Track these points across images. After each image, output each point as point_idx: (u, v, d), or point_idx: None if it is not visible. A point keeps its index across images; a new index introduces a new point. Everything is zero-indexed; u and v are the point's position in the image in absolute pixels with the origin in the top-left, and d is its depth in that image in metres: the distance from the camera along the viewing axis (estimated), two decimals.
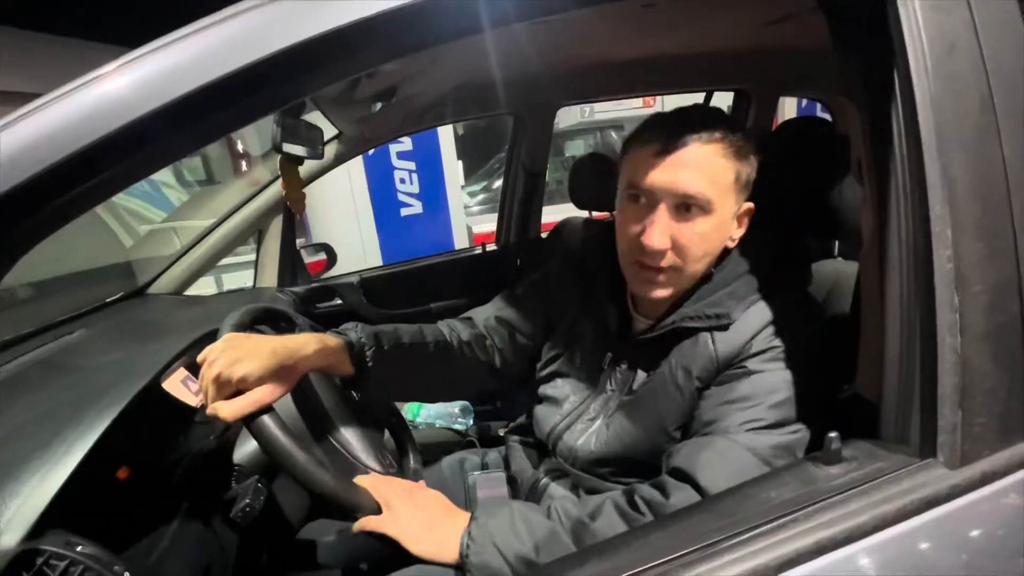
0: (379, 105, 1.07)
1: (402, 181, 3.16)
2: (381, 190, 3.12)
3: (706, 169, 0.60)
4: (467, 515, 0.62)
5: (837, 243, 0.96)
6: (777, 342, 0.61)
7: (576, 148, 5.24)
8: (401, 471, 0.75)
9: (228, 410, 0.55)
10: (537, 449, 0.88)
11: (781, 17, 1.17)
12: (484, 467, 0.92)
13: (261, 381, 0.57)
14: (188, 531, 0.63)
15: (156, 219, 2.73)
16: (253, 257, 1.76)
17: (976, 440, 0.44)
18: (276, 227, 1.72)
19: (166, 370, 0.74)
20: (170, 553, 0.59)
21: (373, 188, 3.10)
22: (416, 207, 3.22)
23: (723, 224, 0.64)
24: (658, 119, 0.64)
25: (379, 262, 3.07)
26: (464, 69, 1.28)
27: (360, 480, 0.62)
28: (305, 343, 0.63)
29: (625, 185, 0.65)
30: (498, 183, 4.84)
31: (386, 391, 0.75)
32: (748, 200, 0.66)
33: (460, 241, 3.41)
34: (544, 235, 1.89)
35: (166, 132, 0.33)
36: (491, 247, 1.97)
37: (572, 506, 0.60)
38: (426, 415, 1.37)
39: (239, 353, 0.57)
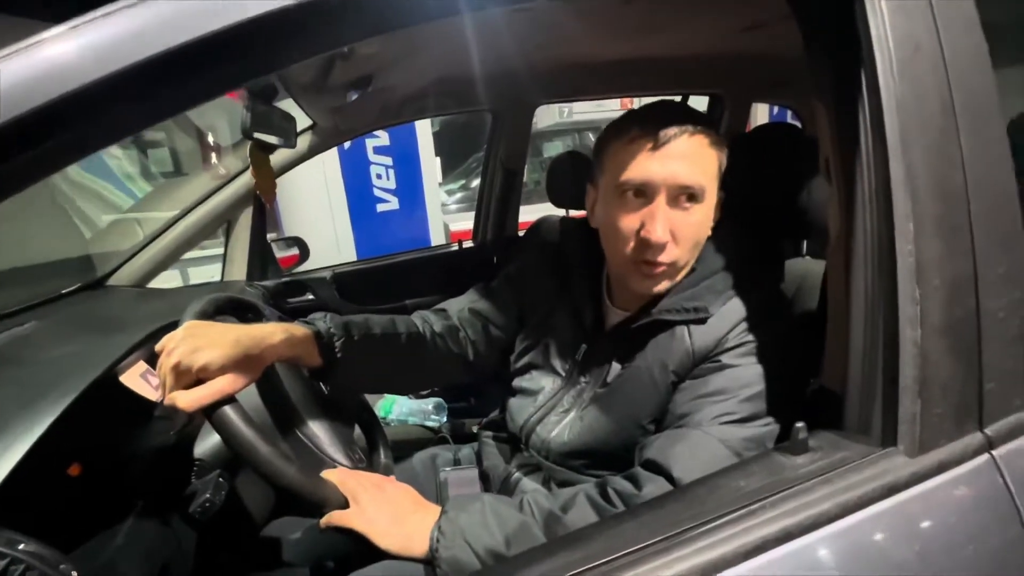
0: (354, 94, 1.05)
1: (379, 176, 3.11)
2: (357, 185, 3.06)
3: (697, 159, 0.62)
4: (437, 509, 0.61)
5: (806, 242, 0.99)
6: (751, 337, 0.63)
7: (554, 149, 5.26)
8: (371, 466, 0.74)
9: (186, 400, 0.52)
10: (510, 444, 0.87)
11: (756, 24, 1.20)
12: (456, 463, 0.91)
13: (223, 371, 0.54)
14: (144, 529, 0.60)
15: (121, 207, 2.62)
16: (221, 251, 1.71)
17: (934, 429, 0.46)
18: (246, 219, 1.67)
19: (121, 362, 0.71)
20: (124, 552, 0.56)
21: (348, 182, 3.04)
22: (392, 203, 3.17)
23: (710, 212, 0.65)
24: (638, 115, 0.64)
25: (353, 258, 3.02)
26: (443, 62, 1.27)
27: (327, 474, 0.60)
28: (271, 332, 0.61)
29: (616, 184, 0.64)
30: (476, 182, 4.84)
31: (356, 383, 0.74)
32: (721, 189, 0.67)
33: (437, 239, 3.37)
34: (521, 233, 1.89)
35: (118, 103, 0.31)
36: (468, 244, 1.96)
37: (544, 499, 0.60)
38: (399, 412, 1.35)
39: (200, 341, 0.55)
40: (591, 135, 4.71)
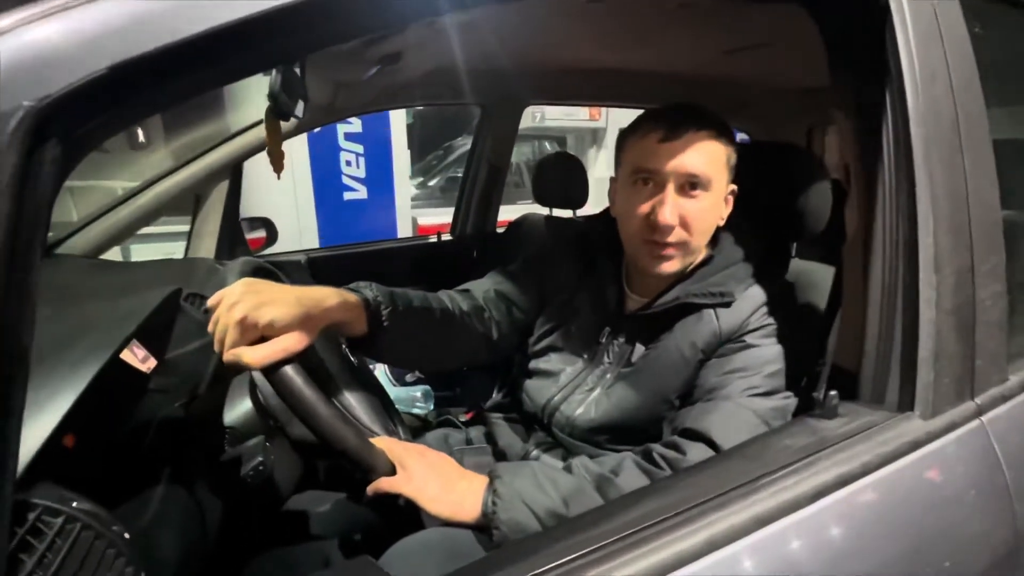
0: (374, 70, 1.04)
1: (348, 164, 3.01)
2: (324, 170, 2.94)
3: (704, 151, 0.68)
4: (482, 477, 0.62)
5: (795, 245, 1.10)
6: (770, 320, 0.69)
7: (518, 154, 5.33)
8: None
9: (253, 356, 0.51)
10: (523, 424, 0.90)
11: (736, 48, 1.31)
12: (469, 442, 0.92)
13: (288, 329, 0.53)
14: (172, 499, 0.56)
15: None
16: (175, 228, 1.59)
17: (942, 397, 0.54)
18: (218, 195, 1.58)
19: (132, 338, 0.66)
20: (158, 520, 0.53)
21: (316, 167, 2.91)
22: (360, 192, 3.08)
23: (718, 201, 0.72)
24: (655, 113, 0.71)
25: (315, 244, 2.90)
26: (445, 53, 1.28)
27: (376, 441, 0.60)
28: (327, 295, 0.60)
29: (631, 171, 0.71)
30: (434, 181, 4.80)
31: (393, 356, 0.73)
32: (733, 183, 0.74)
33: (404, 231, 3.32)
34: (501, 230, 1.92)
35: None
36: (447, 237, 1.96)
37: (591, 463, 0.63)
38: None
39: (263, 297, 0.53)
40: (548, 145, 4.84)
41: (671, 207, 0.67)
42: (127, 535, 0.45)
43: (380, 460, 0.58)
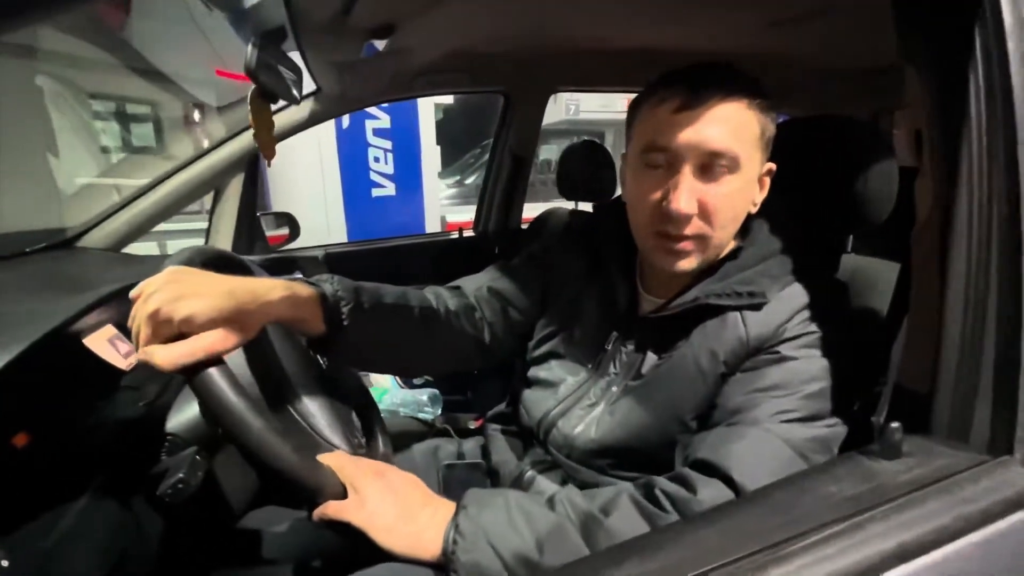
0: (371, 48, 0.96)
1: (376, 160, 2.99)
2: (353, 167, 2.94)
3: (732, 123, 0.55)
4: (450, 504, 0.52)
5: (851, 238, 0.93)
6: (813, 328, 0.56)
7: (550, 152, 5.20)
8: (370, 454, 0.65)
9: (165, 355, 0.43)
10: (521, 439, 0.79)
11: (782, 19, 1.15)
12: (460, 457, 0.83)
13: (211, 325, 0.45)
14: (100, 511, 0.50)
15: (97, 172, 2.48)
16: (205, 225, 1.59)
17: None
18: (235, 188, 1.57)
19: (80, 319, 0.61)
20: (73, 536, 0.46)
21: (344, 163, 2.92)
22: (389, 189, 3.06)
23: (749, 184, 0.58)
24: (672, 75, 0.58)
25: (343, 240, 2.90)
26: (461, 31, 1.20)
27: (323, 458, 0.51)
28: (270, 288, 0.52)
29: (641, 149, 0.59)
30: (471, 179, 4.75)
31: (359, 358, 0.65)
32: (770, 161, 0.61)
33: (432, 230, 3.27)
34: (525, 227, 1.82)
35: None
36: (468, 233, 1.88)
37: (579, 498, 0.52)
38: (390, 401, 1.26)
39: (185, 288, 0.45)
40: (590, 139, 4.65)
41: (688, 192, 0.55)
42: (6, 563, 0.38)
43: (328, 481, 0.49)
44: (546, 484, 0.70)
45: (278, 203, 2.86)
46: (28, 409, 0.55)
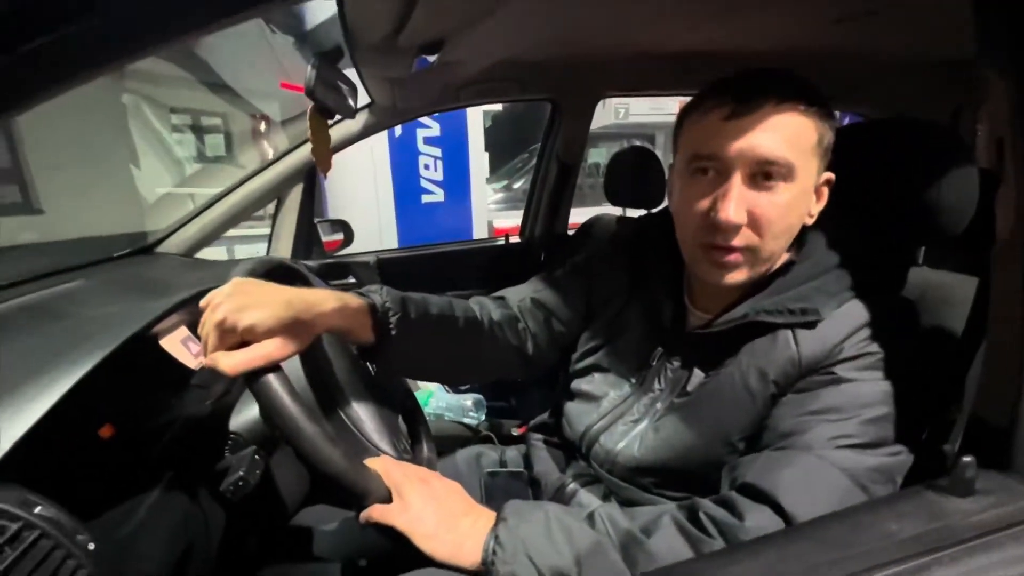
0: (421, 62, 1.00)
1: (426, 167, 3.08)
2: (404, 174, 3.04)
3: (786, 130, 0.52)
4: (491, 514, 0.53)
5: (923, 251, 0.87)
6: (874, 348, 0.52)
7: (599, 155, 5.14)
8: (415, 460, 0.67)
9: (229, 362, 0.46)
10: (563, 451, 0.79)
11: (855, 13, 1.08)
12: (502, 465, 0.83)
13: (271, 333, 0.48)
14: (170, 504, 0.55)
15: (174, 182, 2.69)
16: (267, 231, 1.69)
17: None
18: (295, 197, 1.66)
19: (160, 321, 0.66)
20: (147, 526, 0.51)
21: (396, 171, 3.02)
22: (438, 195, 3.13)
23: (805, 194, 0.55)
24: (722, 83, 0.56)
25: (394, 245, 3.00)
26: (508, 43, 1.21)
27: (370, 463, 0.53)
28: (324, 299, 0.55)
29: (689, 158, 0.57)
30: (518, 183, 4.78)
31: (406, 366, 0.67)
32: (828, 170, 0.58)
33: (480, 235, 3.32)
34: (571, 232, 1.81)
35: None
36: (515, 239, 1.89)
37: (620, 516, 0.51)
38: (436, 406, 1.28)
39: (248, 299, 0.49)
40: (638, 143, 4.58)
41: (737, 201, 0.53)
42: (92, 545, 0.42)
43: (374, 485, 0.51)
44: (588, 498, 0.70)
45: (334, 210, 3.00)
46: (113, 403, 0.60)
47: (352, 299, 0.59)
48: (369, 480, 0.51)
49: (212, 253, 1.55)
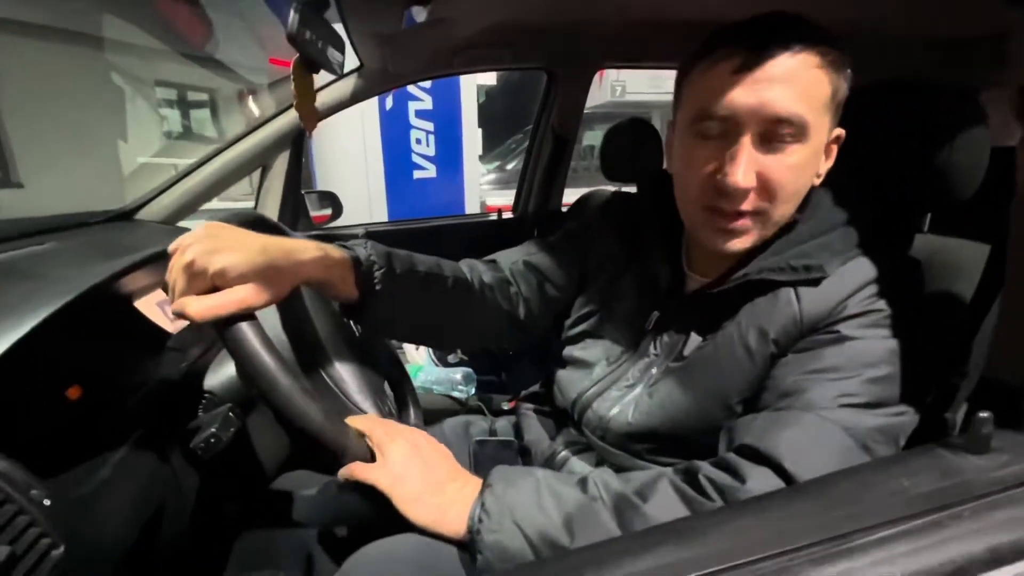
0: (412, 16, 0.95)
1: (418, 142, 3.01)
2: (395, 148, 2.97)
3: (800, 84, 0.48)
4: (478, 481, 0.50)
5: (928, 218, 0.85)
6: (880, 305, 0.50)
7: (593, 138, 5.07)
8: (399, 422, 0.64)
9: (197, 307, 0.43)
10: (554, 419, 0.77)
11: None
12: (492, 434, 0.81)
13: (244, 279, 0.45)
14: (138, 463, 0.51)
15: (155, 151, 2.62)
16: (251, 203, 1.64)
17: None
18: (281, 165, 1.61)
19: (125, 275, 0.62)
20: (111, 485, 0.48)
21: (387, 145, 2.95)
22: (430, 171, 3.07)
23: (816, 155, 0.52)
24: (729, 30, 0.51)
25: (384, 220, 2.94)
26: (502, 3, 1.16)
27: (355, 420, 0.50)
28: (304, 247, 0.51)
29: (693, 116, 0.53)
30: (511, 164, 4.71)
31: (390, 325, 0.64)
32: (839, 126, 0.54)
33: (472, 211, 3.27)
34: (564, 209, 1.78)
35: None
36: (507, 215, 1.86)
37: (614, 480, 0.49)
38: (424, 379, 1.26)
39: (220, 243, 0.45)
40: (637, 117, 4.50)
41: (747, 164, 0.49)
42: (47, 502, 0.39)
43: (353, 442, 0.49)
44: (579, 466, 0.68)
45: (323, 182, 2.93)
46: (81, 364, 0.57)
47: (334, 251, 0.55)
48: (348, 437, 0.48)
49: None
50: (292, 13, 0.74)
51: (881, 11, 1.19)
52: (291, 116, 1.47)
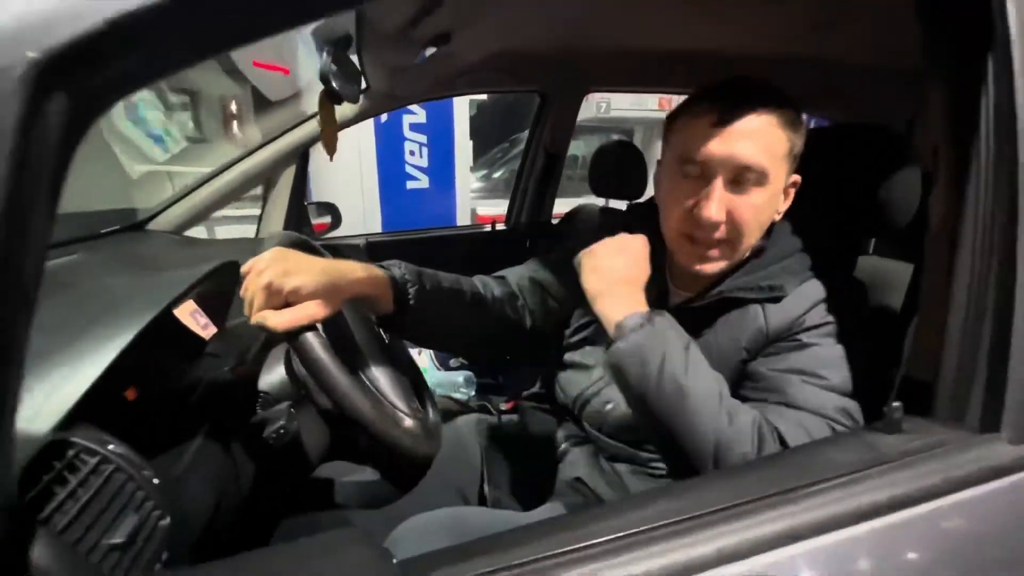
0: (427, 52, 1.04)
1: (411, 154, 3.10)
2: (389, 160, 3.06)
3: (763, 140, 0.60)
4: (644, 303, 0.62)
5: (873, 241, 0.98)
6: (831, 318, 0.62)
7: (578, 148, 5.21)
8: (423, 422, 0.73)
9: (277, 320, 0.52)
10: (555, 415, 0.87)
11: (826, 22, 1.18)
12: (500, 429, 0.91)
13: (312, 296, 0.54)
14: (209, 452, 0.60)
15: (155, 160, 2.64)
16: (251, 212, 1.71)
17: None
18: (285, 179, 1.68)
19: (183, 297, 0.71)
20: (194, 469, 0.56)
21: (381, 156, 3.03)
22: (423, 181, 3.17)
23: (775, 196, 0.64)
24: (710, 90, 0.63)
25: (378, 230, 3.02)
26: (506, 36, 1.27)
27: None
28: (353, 268, 0.61)
29: (677, 159, 0.64)
30: (498, 172, 4.82)
31: (419, 334, 0.73)
32: (796, 173, 0.67)
33: (463, 222, 3.37)
34: (555, 221, 1.89)
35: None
36: (500, 227, 1.96)
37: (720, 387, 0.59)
38: (428, 381, 1.35)
39: (290, 265, 0.54)
40: (615, 138, 4.69)
41: (718, 202, 0.61)
42: (156, 480, 0.48)
43: (401, 433, 0.58)
44: (578, 456, 0.78)
45: (318, 193, 2.99)
46: (135, 368, 0.65)
47: (376, 270, 0.65)
48: (397, 429, 0.58)
49: (193, 232, 1.56)
50: (324, 54, 0.84)
51: (850, 49, 1.32)
52: (298, 133, 1.56)
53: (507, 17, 1.04)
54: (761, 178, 0.61)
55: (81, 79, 0.28)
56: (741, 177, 0.61)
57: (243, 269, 0.56)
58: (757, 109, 0.60)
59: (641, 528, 0.38)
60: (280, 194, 1.68)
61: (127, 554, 0.43)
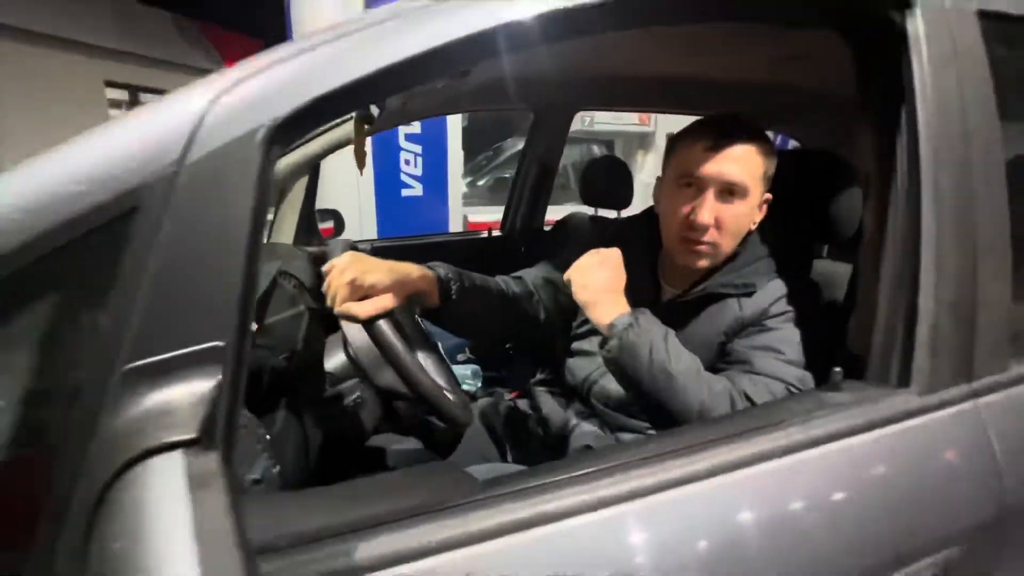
0: (449, 79, 1.18)
1: (407, 163, 3.23)
2: (385, 168, 3.18)
3: (746, 163, 0.77)
4: (626, 306, 0.76)
5: (826, 248, 1.16)
6: (791, 308, 0.78)
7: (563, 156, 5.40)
8: (457, 398, 0.87)
9: (361, 309, 0.65)
10: (564, 396, 1.01)
11: (794, 55, 1.35)
12: (515, 410, 1.04)
13: (386, 291, 0.67)
14: (290, 421, 0.72)
15: None
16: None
17: (939, 377, 0.62)
18: (298, 188, 1.78)
19: (274, 288, 0.83)
20: (283, 433, 0.68)
21: (377, 165, 3.15)
22: (416, 189, 3.29)
23: (752, 208, 0.80)
24: (706, 123, 0.80)
25: (374, 236, 3.12)
26: (502, 63, 1.41)
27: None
28: (413, 268, 0.74)
29: (677, 175, 0.81)
30: (483, 180, 4.98)
31: (459, 325, 0.87)
32: (768, 192, 0.83)
33: (455, 228, 3.51)
34: (547, 228, 2.04)
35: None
36: (496, 233, 2.10)
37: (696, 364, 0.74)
38: None
39: (366, 266, 0.68)
40: (596, 149, 4.91)
41: (709, 210, 0.76)
42: (268, 436, 0.60)
43: (455, 406, 0.71)
44: (586, 428, 0.92)
45: (319, 200, 3.08)
46: None
47: (426, 270, 0.78)
48: (451, 404, 0.71)
49: None
50: None
51: (805, 76, 1.51)
52: (312, 147, 1.67)
53: (509, 50, 1.17)
54: (743, 193, 0.77)
55: (292, 138, 0.41)
56: (727, 191, 0.77)
57: (324, 268, 0.69)
58: (742, 139, 0.76)
59: (648, 455, 0.53)
60: (292, 202, 1.79)
61: (258, 488, 0.55)
